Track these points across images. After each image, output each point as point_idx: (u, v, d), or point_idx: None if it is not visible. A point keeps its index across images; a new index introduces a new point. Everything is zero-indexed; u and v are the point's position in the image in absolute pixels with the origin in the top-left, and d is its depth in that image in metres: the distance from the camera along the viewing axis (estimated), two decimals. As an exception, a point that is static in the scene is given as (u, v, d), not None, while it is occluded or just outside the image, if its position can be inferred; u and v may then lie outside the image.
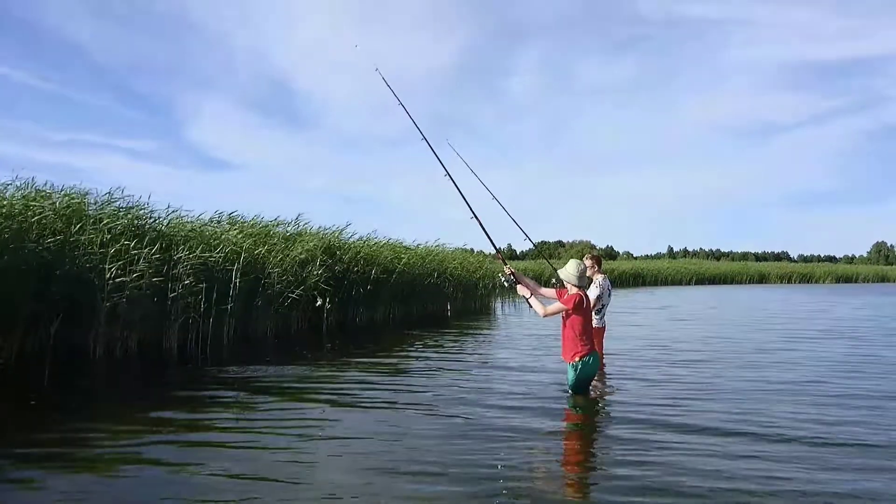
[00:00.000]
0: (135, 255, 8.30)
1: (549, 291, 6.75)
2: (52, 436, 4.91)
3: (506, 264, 6.88)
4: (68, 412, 5.69)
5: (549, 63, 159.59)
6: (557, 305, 6.22)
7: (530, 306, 6.45)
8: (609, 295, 8.47)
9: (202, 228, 10.37)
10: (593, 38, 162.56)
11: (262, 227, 12.15)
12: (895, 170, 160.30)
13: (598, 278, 8.34)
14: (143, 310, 8.48)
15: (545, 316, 6.35)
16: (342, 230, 14.16)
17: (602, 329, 8.31)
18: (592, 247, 79.94)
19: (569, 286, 6.29)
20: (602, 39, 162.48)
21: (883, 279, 66.66)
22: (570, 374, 6.21)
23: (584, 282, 6.35)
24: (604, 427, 5.45)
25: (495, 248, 7.49)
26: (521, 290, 6.58)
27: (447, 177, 7.10)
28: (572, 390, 6.25)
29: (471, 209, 7.00)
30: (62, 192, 8.95)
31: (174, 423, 5.38)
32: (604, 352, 8.26)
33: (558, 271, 6.52)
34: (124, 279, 8.14)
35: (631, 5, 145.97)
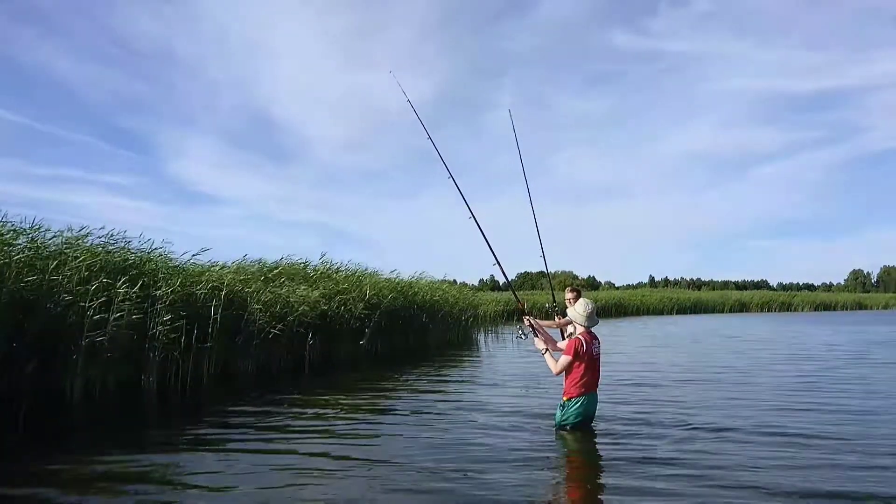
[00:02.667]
0: (115, 293, 8.24)
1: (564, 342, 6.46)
2: (25, 478, 4.82)
3: (525, 314, 6.66)
4: (42, 453, 5.60)
5: (528, 97, 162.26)
6: (564, 360, 6.04)
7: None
8: None
9: (184, 265, 10.32)
10: (571, 73, 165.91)
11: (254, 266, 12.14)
12: (870, 199, 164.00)
13: None
14: (122, 348, 8.39)
15: (557, 374, 6.12)
16: (335, 268, 14.30)
17: None
18: (575, 277, 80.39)
19: (576, 326, 6.18)
20: (579, 74, 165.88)
21: (860, 306, 67.60)
22: (557, 413, 6.14)
23: (592, 322, 6.17)
24: (587, 456, 5.48)
25: (517, 297, 7.44)
26: (537, 343, 6.40)
27: (472, 219, 7.02)
28: (557, 428, 6.12)
29: (493, 254, 6.98)
30: (37, 229, 8.76)
31: (154, 463, 5.31)
32: None
33: (568, 310, 6.39)
34: (104, 317, 8.08)
35: (607, 40, 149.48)
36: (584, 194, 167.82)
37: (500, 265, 6.95)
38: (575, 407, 6.02)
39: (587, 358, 6.03)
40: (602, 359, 6.29)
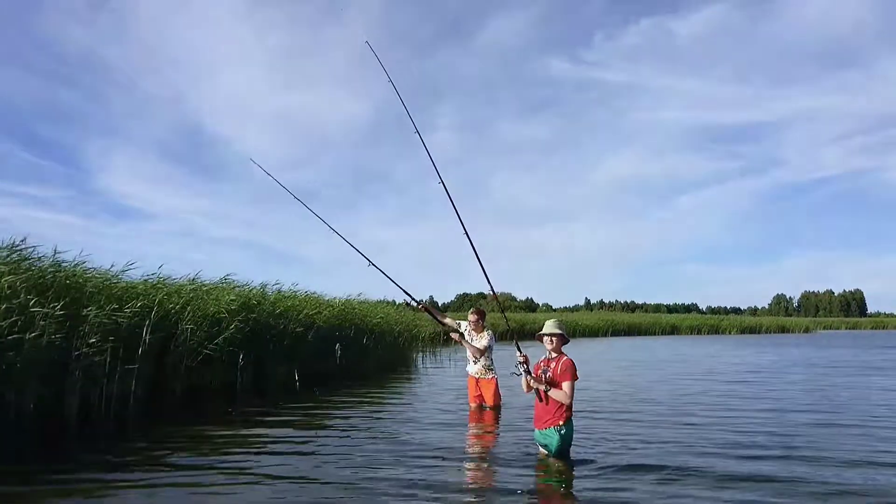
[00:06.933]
0: (34, 312, 7.83)
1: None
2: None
3: (520, 350, 6.19)
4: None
5: (466, 121, 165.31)
6: (573, 385, 5.85)
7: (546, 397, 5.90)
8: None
9: (110, 281, 9.89)
10: (509, 99, 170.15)
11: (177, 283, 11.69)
12: (790, 227, 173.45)
13: (487, 331, 9.39)
14: (41, 370, 7.97)
15: (571, 400, 5.86)
16: (264, 288, 13.98)
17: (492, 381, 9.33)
18: (513, 299, 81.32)
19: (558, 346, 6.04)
20: (517, 100, 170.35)
21: (783, 330, 70.75)
22: (554, 439, 5.85)
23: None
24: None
25: (509, 326, 7.36)
26: (533, 382, 5.97)
27: (465, 235, 7.12)
28: (554, 455, 5.92)
29: (488, 281, 6.89)
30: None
31: (72, 492, 5.07)
32: (502, 402, 9.39)
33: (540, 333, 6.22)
34: (21, 337, 7.65)
35: (544, 68, 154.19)
36: (521, 218, 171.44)
37: (493, 292, 7.12)
38: (571, 429, 5.90)
39: None
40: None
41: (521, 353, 6.06)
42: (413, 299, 9.08)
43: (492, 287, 6.87)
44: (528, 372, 6.06)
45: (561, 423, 5.81)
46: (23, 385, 7.87)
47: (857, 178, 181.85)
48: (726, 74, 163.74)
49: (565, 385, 5.81)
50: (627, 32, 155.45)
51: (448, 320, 9.66)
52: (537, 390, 5.91)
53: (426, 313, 9.66)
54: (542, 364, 6.08)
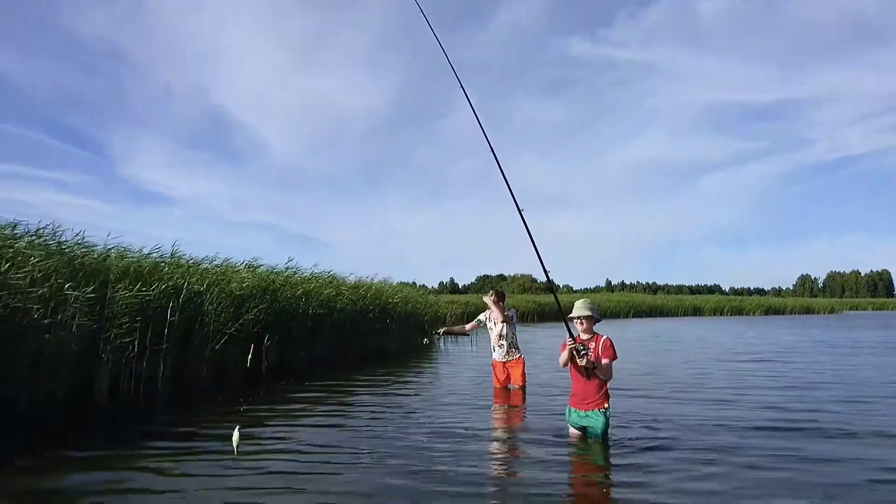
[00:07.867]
0: (66, 295, 8.00)
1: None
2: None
3: (571, 334, 5.87)
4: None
5: (485, 105, 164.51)
6: (613, 364, 5.88)
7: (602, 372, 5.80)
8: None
9: (138, 263, 10.05)
10: (528, 81, 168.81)
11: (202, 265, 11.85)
12: (815, 208, 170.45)
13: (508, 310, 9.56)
14: (72, 353, 8.16)
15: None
16: (287, 269, 14.15)
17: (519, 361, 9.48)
18: (534, 280, 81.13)
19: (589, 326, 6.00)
20: (536, 82, 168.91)
21: (808, 310, 69.89)
22: (600, 422, 5.78)
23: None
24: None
25: (562, 313, 6.87)
26: (586, 362, 5.71)
27: (520, 214, 6.52)
28: (598, 439, 5.84)
29: (542, 262, 6.42)
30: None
31: (102, 462, 5.22)
32: (527, 383, 9.46)
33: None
34: (53, 320, 7.84)
35: (563, 50, 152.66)
36: (539, 201, 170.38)
37: (548, 277, 6.62)
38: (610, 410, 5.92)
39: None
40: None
41: (570, 335, 5.84)
42: (433, 333, 9.67)
43: (545, 270, 6.53)
44: (583, 354, 5.72)
45: (606, 405, 5.80)
46: (55, 366, 8.07)
47: (883, 158, 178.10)
48: (750, 53, 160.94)
49: (606, 363, 5.81)
50: (649, 11, 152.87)
51: (468, 325, 10.23)
52: (585, 368, 5.76)
53: (449, 336, 10.26)
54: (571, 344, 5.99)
